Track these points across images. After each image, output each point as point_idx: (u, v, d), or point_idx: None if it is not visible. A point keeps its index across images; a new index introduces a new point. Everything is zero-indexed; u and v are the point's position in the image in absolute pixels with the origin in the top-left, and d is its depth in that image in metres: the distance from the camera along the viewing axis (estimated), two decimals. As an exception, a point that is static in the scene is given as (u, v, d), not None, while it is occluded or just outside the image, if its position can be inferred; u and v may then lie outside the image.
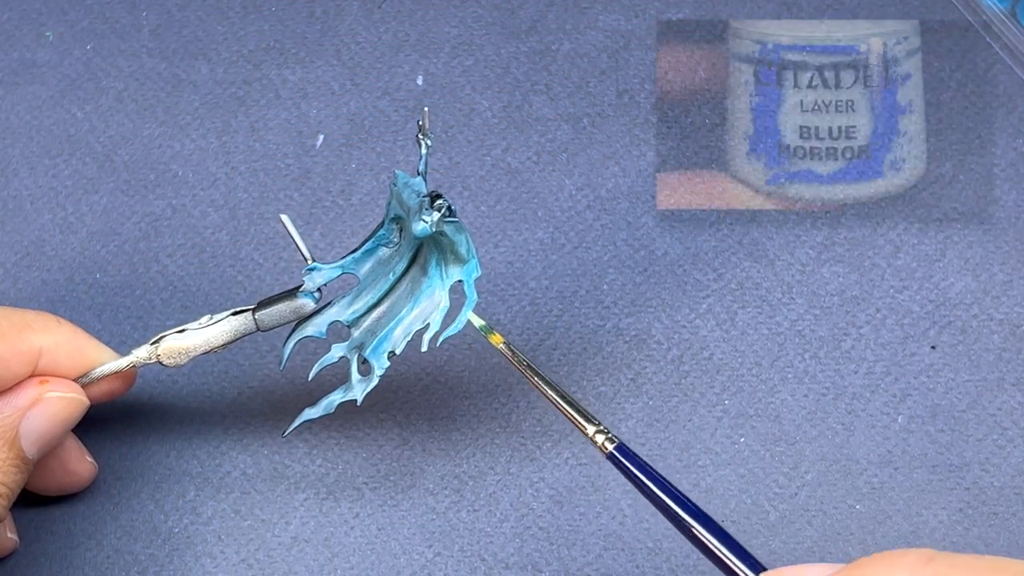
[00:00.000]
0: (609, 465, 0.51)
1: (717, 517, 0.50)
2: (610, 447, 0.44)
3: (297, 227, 0.52)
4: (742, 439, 0.52)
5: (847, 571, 0.37)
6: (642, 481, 0.43)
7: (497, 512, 0.51)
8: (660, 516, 0.50)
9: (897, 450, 0.52)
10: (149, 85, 0.59)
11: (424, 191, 0.46)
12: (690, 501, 0.42)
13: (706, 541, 0.42)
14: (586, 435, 0.45)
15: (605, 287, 0.55)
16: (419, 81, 0.59)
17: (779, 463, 0.52)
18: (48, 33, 0.60)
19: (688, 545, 0.50)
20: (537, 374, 0.46)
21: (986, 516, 0.51)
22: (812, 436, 0.52)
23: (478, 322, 0.48)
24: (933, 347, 0.54)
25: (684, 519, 0.42)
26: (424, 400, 0.53)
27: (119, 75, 0.59)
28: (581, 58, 0.60)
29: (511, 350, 0.47)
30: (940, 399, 0.53)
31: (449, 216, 0.45)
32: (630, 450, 0.44)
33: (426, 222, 0.45)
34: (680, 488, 0.51)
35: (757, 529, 0.50)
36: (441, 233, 0.46)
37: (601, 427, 0.45)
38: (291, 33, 0.60)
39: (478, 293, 0.47)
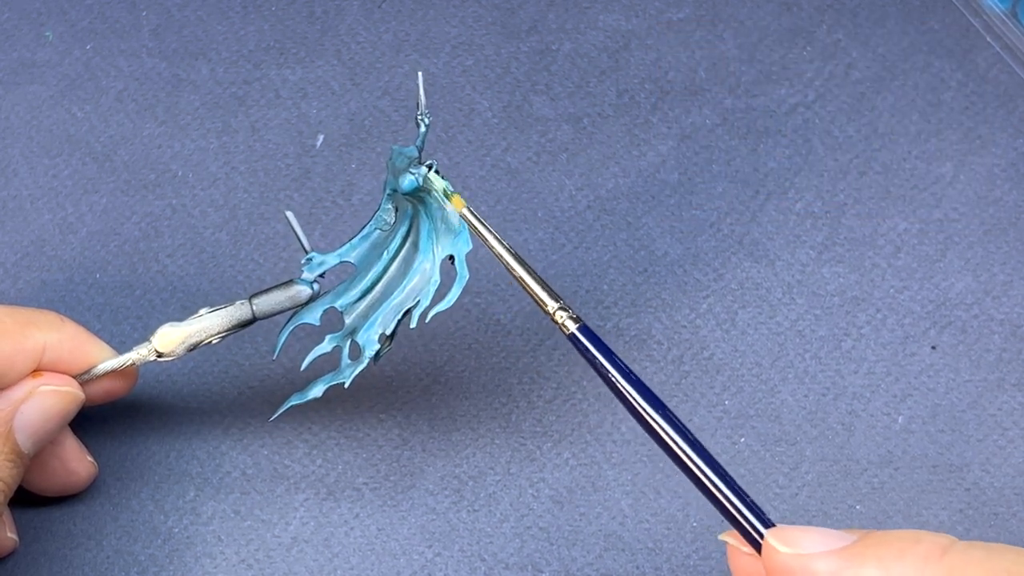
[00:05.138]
0: (610, 465, 0.51)
1: (717, 517, 0.50)
2: (572, 327, 0.42)
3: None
4: (742, 439, 0.52)
5: (855, 548, 0.36)
6: (603, 366, 0.41)
7: (497, 512, 0.51)
8: (661, 516, 0.50)
9: (897, 450, 0.52)
10: (149, 85, 0.59)
11: (415, 154, 0.46)
12: (652, 392, 0.40)
13: (667, 439, 0.39)
14: (546, 312, 0.42)
15: (605, 287, 0.55)
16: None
17: (779, 463, 0.52)
18: (48, 33, 0.60)
19: (689, 546, 0.50)
20: (501, 244, 0.44)
21: (987, 516, 0.51)
22: (812, 436, 0.52)
23: (440, 184, 0.46)
24: (933, 347, 0.54)
25: (645, 410, 0.39)
26: (424, 400, 0.53)
27: (119, 75, 0.59)
28: (581, 58, 0.60)
29: (473, 215, 0.45)
30: (941, 399, 0.53)
31: (438, 176, 0.46)
32: (593, 332, 0.41)
33: (414, 175, 0.45)
34: (681, 488, 0.51)
35: (757, 529, 0.50)
36: (428, 192, 0.46)
37: (563, 304, 0.42)
38: (291, 33, 0.60)
39: (469, 271, 0.47)
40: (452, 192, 0.46)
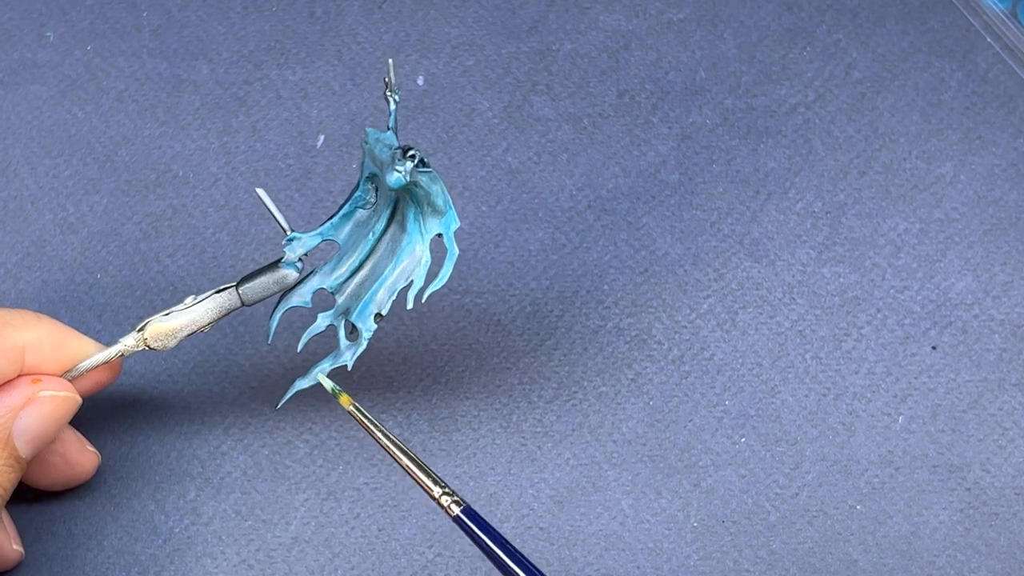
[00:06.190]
0: (610, 465, 0.51)
1: (718, 517, 0.50)
2: (456, 510, 0.44)
3: (297, 227, 0.52)
4: (743, 439, 0.52)
5: None
6: (488, 546, 0.43)
7: (497, 512, 0.51)
8: (661, 516, 0.50)
9: (898, 450, 0.52)
10: (150, 85, 0.59)
11: (395, 143, 0.46)
12: (539, 571, 0.42)
13: None
14: (433, 498, 0.44)
15: (606, 287, 0.55)
16: (420, 81, 0.59)
17: (780, 463, 0.52)
18: (49, 33, 0.60)
19: (689, 546, 0.50)
20: (388, 437, 0.46)
21: (987, 516, 0.51)
22: (813, 436, 0.52)
23: (328, 384, 0.48)
24: (934, 347, 0.54)
25: None
26: (424, 400, 0.53)
27: (120, 75, 0.59)
28: (582, 58, 0.60)
29: (360, 412, 0.47)
30: (941, 399, 0.53)
31: (422, 166, 0.45)
32: (477, 514, 0.43)
33: (399, 172, 0.45)
34: (681, 488, 0.51)
35: (758, 529, 0.50)
36: (415, 184, 0.46)
37: (447, 489, 0.44)
38: (292, 33, 0.60)
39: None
40: (340, 392, 0.47)
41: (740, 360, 0.53)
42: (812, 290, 0.55)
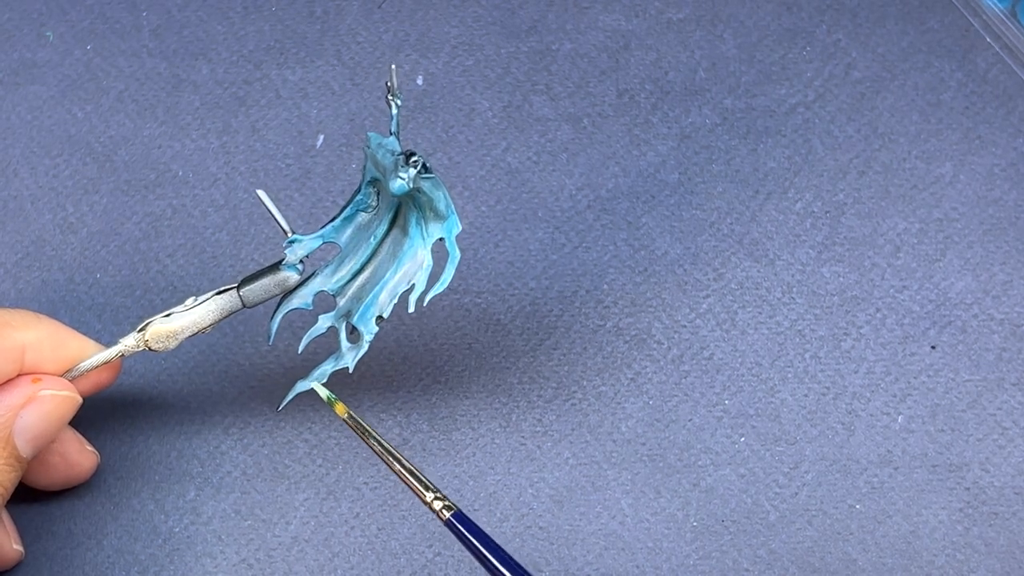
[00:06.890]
0: (610, 464, 0.51)
1: (717, 517, 0.50)
2: (447, 514, 0.44)
3: (297, 227, 0.52)
4: (742, 439, 0.52)
5: None
6: (478, 549, 0.43)
7: (497, 511, 0.51)
8: (661, 516, 0.50)
9: (897, 450, 0.52)
10: (149, 85, 0.59)
11: (398, 149, 0.46)
12: (527, 572, 0.43)
13: None
14: (425, 502, 0.45)
15: (605, 287, 0.55)
16: (419, 81, 0.59)
17: (779, 463, 0.52)
18: (48, 33, 0.60)
19: (688, 546, 0.50)
20: (382, 445, 0.46)
21: (986, 516, 0.51)
22: (812, 436, 0.52)
23: (324, 392, 0.48)
24: (933, 347, 0.54)
25: None
26: (424, 400, 0.53)
27: (119, 75, 0.59)
28: (581, 58, 0.60)
29: (355, 419, 0.47)
30: (940, 399, 0.53)
31: (425, 172, 0.45)
32: (467, 518, 0.44)
33: (403, 179, 0.45)
34: (680, 488, 0.51)
35: (757, 529, 0.50)
36: (418, 190, 0.46)
37: (439, 494, 0.45)
38: (291, 33, 0.60)
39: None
40: (336, 400, 0.47)
41: (739, 360, 0.53)
42: (811, 290, 0.55)
